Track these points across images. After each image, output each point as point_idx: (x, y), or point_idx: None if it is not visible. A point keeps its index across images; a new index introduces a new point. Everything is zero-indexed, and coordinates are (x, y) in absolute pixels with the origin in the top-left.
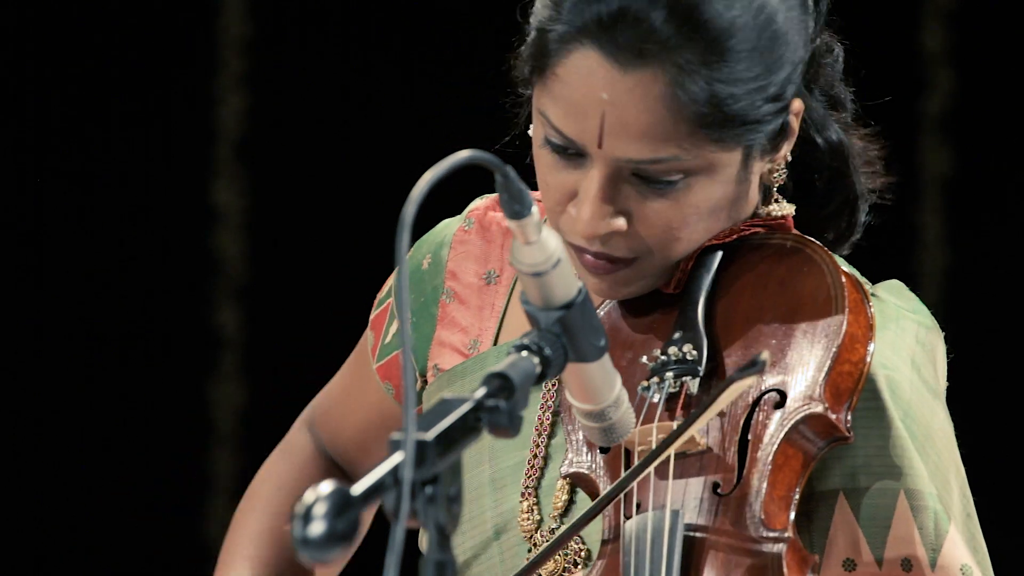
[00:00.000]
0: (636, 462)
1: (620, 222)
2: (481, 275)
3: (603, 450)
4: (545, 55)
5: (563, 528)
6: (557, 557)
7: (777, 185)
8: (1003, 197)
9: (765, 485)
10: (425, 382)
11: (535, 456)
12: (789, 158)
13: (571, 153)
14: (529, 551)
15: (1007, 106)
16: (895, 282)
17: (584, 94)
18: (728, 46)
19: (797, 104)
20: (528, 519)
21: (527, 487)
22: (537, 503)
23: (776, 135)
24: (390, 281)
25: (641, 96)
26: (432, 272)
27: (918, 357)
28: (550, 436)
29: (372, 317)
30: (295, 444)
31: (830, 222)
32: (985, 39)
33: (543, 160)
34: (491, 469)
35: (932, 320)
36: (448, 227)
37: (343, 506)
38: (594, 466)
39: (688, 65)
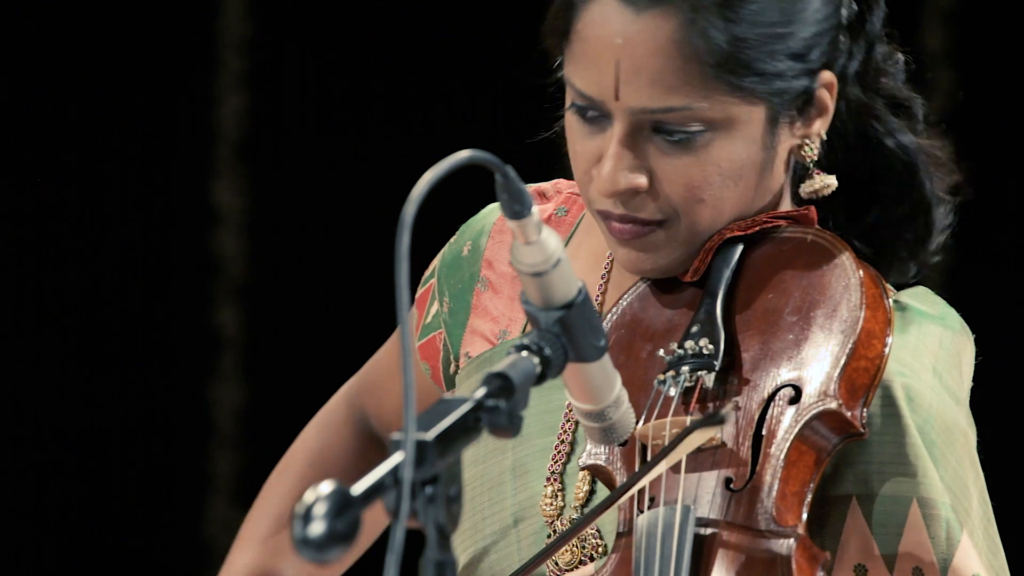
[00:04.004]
0: (651, 456)
1: (642, 179)
2: None
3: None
4: (570, 12)
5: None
6: (575, 549)
7: (811, 161)
8: (1003, 197)
9: (778, 481)
10: (459, 368)
11: (562, 442)
12: (823, 136)
13: (594, 116)
14: (548, 537)
15: (1007, 106)
16: (921, 288)
17: (601, 44)
18: None
19: (827, 76)
20: (551, 504)
21: (553, 472)
22: (563, 488)
23: (803, 103)
24: (435, 262)
25: (654, 37)
26: (471, 259)
27: (940, 362)
28: (578, 423)
29: (417, 296)
30: (332, 416)
31: (904, 226)
32: (985, 39)
33: (571, 128)
34: (513, 456)
35: (960, 324)
36: (490, 215)
37: (343, 506)
38: (611, 458)
39: (701, 2)
